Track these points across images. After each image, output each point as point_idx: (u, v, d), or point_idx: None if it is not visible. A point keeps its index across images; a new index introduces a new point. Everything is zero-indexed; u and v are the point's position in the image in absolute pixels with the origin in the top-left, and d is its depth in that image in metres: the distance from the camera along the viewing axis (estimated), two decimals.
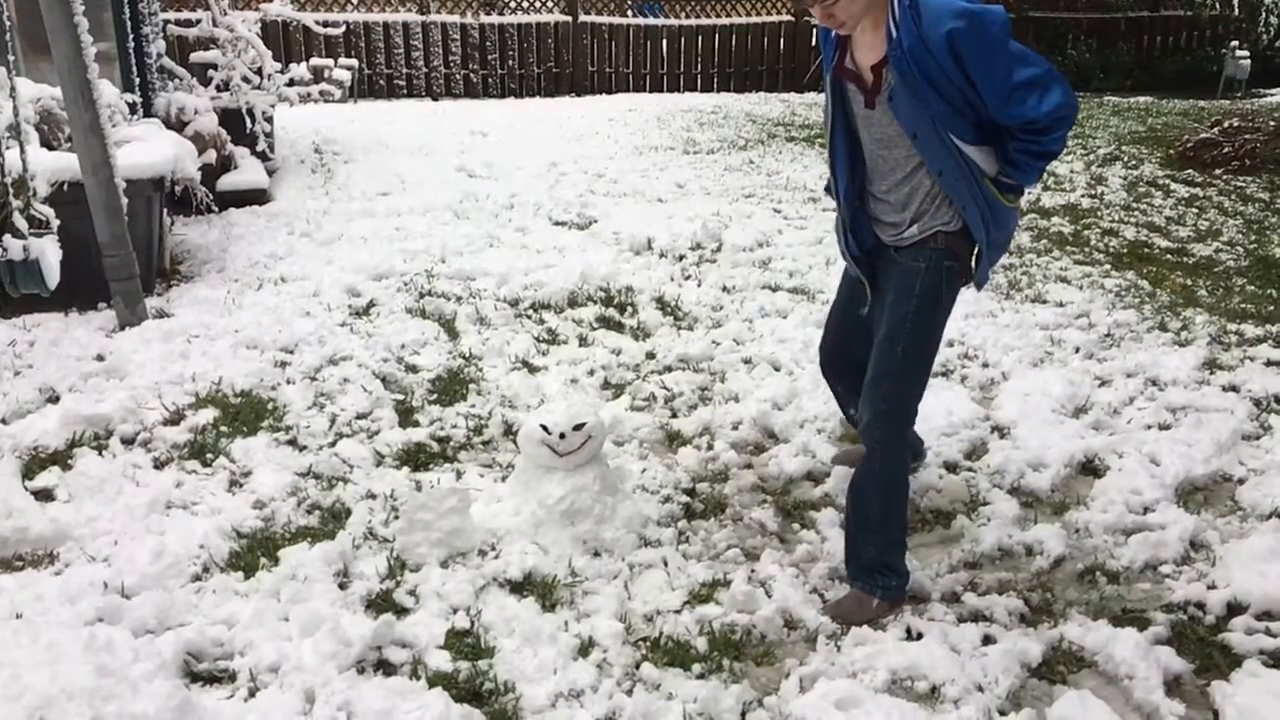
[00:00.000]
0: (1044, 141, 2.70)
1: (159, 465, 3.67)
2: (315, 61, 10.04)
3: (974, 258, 2.92)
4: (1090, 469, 3.80)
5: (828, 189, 3.11)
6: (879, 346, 2.93)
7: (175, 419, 3.99)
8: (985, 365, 4.70)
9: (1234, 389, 4.44)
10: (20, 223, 4.34)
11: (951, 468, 3.80)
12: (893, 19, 2.63)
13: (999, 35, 2.59)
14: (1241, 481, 3.71)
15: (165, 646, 2.62)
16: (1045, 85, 2.62)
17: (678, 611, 2.94)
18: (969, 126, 2.71)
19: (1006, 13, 2.65)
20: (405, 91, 14.00)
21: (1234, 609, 2.96)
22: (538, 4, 14.56)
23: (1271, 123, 10.10)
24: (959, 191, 2.77)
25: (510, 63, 14.39)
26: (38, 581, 2.95)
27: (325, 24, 11.53)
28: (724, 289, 5.71)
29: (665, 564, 3.16)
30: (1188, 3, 16.40)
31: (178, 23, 8.86)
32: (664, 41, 15.03)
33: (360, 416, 4.07)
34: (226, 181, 7.18)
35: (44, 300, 4.61)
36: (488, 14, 14.29)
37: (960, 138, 2.71)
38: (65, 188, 4.82)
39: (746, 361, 4.71)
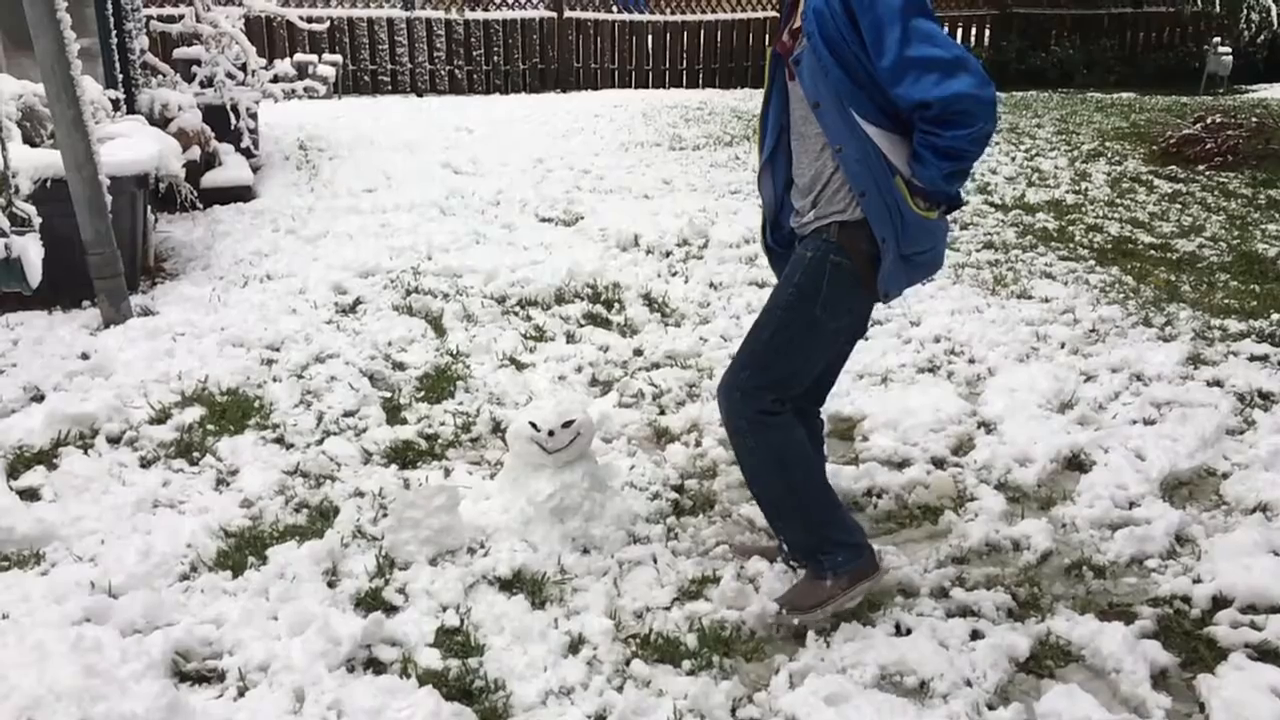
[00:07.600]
0: (945, 136, 2.44)
1: (145, 464, 3.65)
2: (299, 58, 10.03)
3: (877, 265, 2.65)
4: (1076, 464, 3.82)
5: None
6: (750, 331, 2.82)
7: (161, 417, 3.97)
8: (971, 361, 4.72)
9: (1218, 384, 4.46)
10: (2, 220, 4.32)
11: (938, 463, 3.81)
12: None
13: (900, 4, 2.40)
14: (1226, 476, 3.73)
15: (153, 646, 2.61)
16: (948, 71, 2.39)
17: (667, 608, 2.94)
18: (868, 103, 2.52)
19: None
20: (390, 88, 13.97)
21: (1219, 602, 2.97)
22: (523, 0, 14.53)
23: (1253, 119, 10.17)
24: (858, 175, 2.57)
25: (495, 59, 14.37)
26: (24, 581, 2.93)
27: (310, 20, 11.50)
28: (711, 285, 5.72)
29: (654, 561, 3.16)
30: None
31: (161, 18, 8.81)
32: (649, 37, 15.03)
33: (348, 414, 4.06)
34: (210, 178, 7.15)
35: (27, 298, 4.59)
36: (472, 10, 14.26)
37: (861, 114, 2.52)
38: (48, 185, 4.79)
39: None
